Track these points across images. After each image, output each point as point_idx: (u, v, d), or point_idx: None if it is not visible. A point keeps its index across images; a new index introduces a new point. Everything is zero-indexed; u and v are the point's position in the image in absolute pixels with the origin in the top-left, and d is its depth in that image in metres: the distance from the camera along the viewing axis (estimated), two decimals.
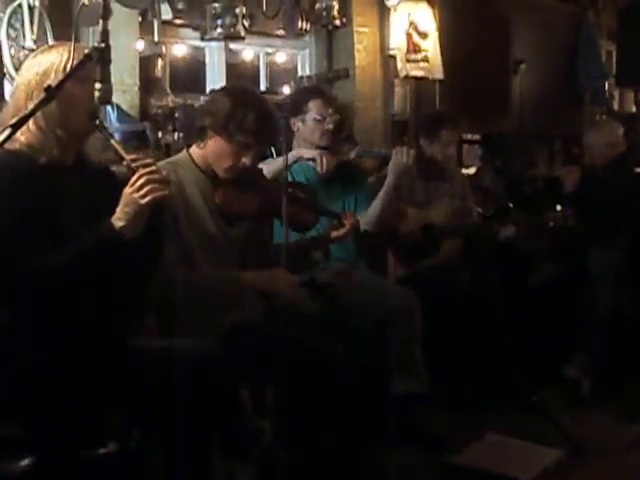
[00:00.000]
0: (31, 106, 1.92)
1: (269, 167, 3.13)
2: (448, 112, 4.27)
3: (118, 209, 2.01)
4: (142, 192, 1.98)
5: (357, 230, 3.21)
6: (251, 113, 2.61)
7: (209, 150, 2.68)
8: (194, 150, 2.74)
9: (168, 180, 2.08)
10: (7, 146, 1.81)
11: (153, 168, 2.02)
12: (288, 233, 2.71)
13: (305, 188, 3.17)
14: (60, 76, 1.96)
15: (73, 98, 2.03)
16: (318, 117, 3.44)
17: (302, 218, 2.95)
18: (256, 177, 2.82)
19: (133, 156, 2.03)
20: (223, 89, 2.92)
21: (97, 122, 2.09)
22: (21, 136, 2.02)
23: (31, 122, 1.99)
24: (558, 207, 3.93)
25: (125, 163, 2.03)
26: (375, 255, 3.73)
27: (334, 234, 3.12)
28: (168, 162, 2.77)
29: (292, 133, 3.51)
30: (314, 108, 3.45)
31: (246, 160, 2.65)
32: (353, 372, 2.62)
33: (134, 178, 1.99)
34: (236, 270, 2.69)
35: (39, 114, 1.94)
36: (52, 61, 2.07)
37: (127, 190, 2.00)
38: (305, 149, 3.41)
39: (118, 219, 2.00)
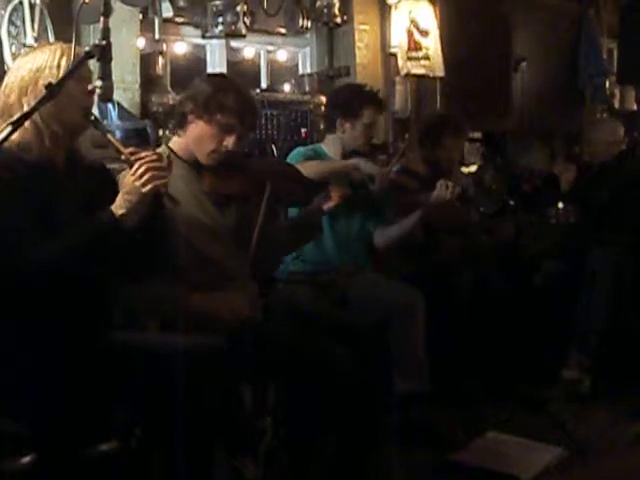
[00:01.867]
0: (25, 102, 1.95)
1: (317, 167, 3.13)
2: (451, 117, 4.23)
3: (118, 197, 2.01)
4: (143, 180, 1.99)
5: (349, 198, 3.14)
6: (231, 95, 2.58)
7: (190, 137, 2.63)
8: (174, 141, 2.71)
9: (169, 168, 2.08)
10: None
11: (154, 157, 2.03)
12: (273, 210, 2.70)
13: (290, 164, 3.11)
14: (54, 73, 1.98)
15: (68, 95, 2.02)
16: (369, 124, 3.42)
17: (295, 192, 2.84)
18: (241, 161, 2.73)
19: (131, 149, 2.04)
20: (202, 78, 2.84)
21: (92, 118, 2.09)
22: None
23: None
24: (560, 205, 3.92)
25: (123, 157, 2.03)
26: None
27: (326, 206, 2.98)
28: None
29: (333, 131, 3.47)
30: (366, 114, 3.41)
31: (228, 143, 2.58)
32: (354, 372, 2.61)
33: (136, 166, 2.00)
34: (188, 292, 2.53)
35: None
36: (46, 58, 2.06)
37: (129, 178, 2.00)
38: (363, 162, 3.33)
39: (119, 207, 2.00)
